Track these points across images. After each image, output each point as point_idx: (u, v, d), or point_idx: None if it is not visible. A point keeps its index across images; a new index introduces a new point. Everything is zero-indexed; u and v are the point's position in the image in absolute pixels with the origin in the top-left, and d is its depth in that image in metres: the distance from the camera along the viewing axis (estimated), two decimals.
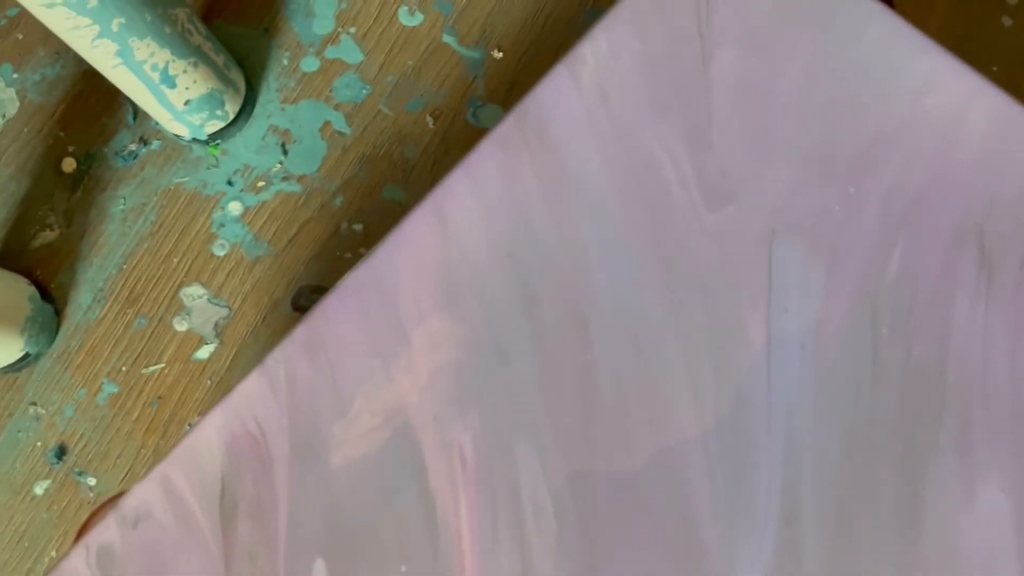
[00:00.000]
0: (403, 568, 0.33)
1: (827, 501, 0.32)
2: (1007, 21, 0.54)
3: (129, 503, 0.35)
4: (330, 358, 0.35)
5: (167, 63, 0.47)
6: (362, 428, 0.34)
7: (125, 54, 0.45)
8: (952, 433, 0.32)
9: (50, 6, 0.43)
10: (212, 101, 0.52)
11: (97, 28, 0.43)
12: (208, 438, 0.35)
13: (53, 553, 0.52)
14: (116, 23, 0.43)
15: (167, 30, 0.46)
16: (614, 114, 0.36)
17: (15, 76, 0.59)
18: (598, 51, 0.36)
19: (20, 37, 0.60)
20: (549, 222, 0.35)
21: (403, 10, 0.58)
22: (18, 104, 0.59)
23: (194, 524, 0.35)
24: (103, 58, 0.46)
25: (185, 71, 0.48)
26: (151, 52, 0.46)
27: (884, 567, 0.31)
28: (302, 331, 0.35)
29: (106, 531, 0.35)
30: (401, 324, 0.35)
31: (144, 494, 0.35)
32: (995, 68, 0.52)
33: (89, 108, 0.59)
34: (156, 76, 0.47)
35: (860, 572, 0.31)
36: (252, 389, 0.35)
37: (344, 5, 0.59)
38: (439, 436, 0.34)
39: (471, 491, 0.33)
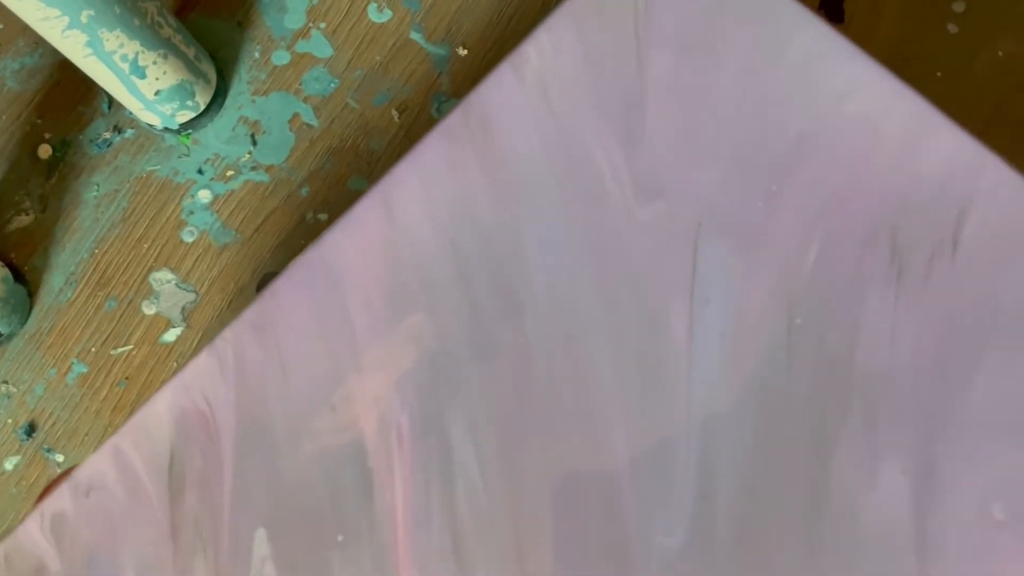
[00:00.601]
0: (339, 538, 0.34)
1: (740, 479, 0.33)
2: (952, 28, 0.55)
3: (82, 473, 0.36)
4: (278, 339, 0.36)
5: (137, 54, 0.48)
6: (305, 406, 0.36)
7: (95, 44, 0.46)
8: (859, 418, 0.33)
9: (65, 46, 0.44)
10: (182, 92, 0.53)
11: (67, 19, 0.44)
12: (158, 413, 0.36)
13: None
14: (85, 15, 0.44)
15: (136, 22, 0.47)
16: (554, 110, 0.37)
17: None
18: (541, 50, 0.38)
19: (0, 27, 0.61)
20: (491, 212, 0.37)
21: (372, 7, 0.59)
22: None
23: (143, 493, 0.36)
24: (74, 48, 0.47)
25: (155, 62, 0.50)
26: (120, 43, 0.47)
27: (791, 541, 0.33)
28: (251, 312, 0.37)
29: (60, 499, 0.37)
30: (346, 308, 0.36)
31: (97, 465, 0.37)
32: (939, 74, 0.54)
33: (66, 97, 0.61)
34: (126, 67, 0.48)
35: (768, 544, 0.32)
36: (202, 367, 0.36)
37: (315, 1, 0.60)
38: (378, 415, 0.35)
39: (406, 467, 0.35)
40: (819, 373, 0.34)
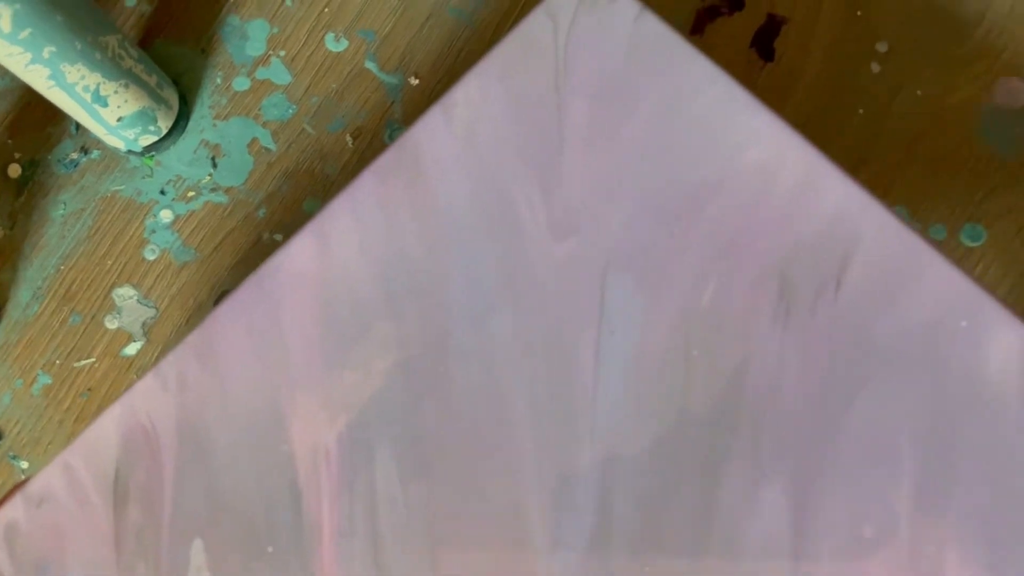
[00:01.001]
0: (270, 549, 0.37)
1: (637, 494, 0.36)
2: (875, 67, 0.58)
3: (34, 486, 0.39)
4: (218, 363, 0.38)
5: (98, 84, 0.50)
6: (242, 426, 0.38)
7: (57, 77, 0.48)
8: (746, 442, 0.36)
9: (27, 75, 0.46)
10: (144, 118, 0.55)
11: (29, 55, 0.46)
12: (106, 430, 0.39)
13: None
14: (47, 51, 0.46)
15: (98, 56, 0.49)
16: (479, 153, 0.40)
17: None
18: (469, 95, 0.40)
19: None
20: (418, 246, 0.39)
21: (330, 36, 0.62)
22: None
23: (90, 505, 0.38)
24: (37, 80, 0.49)
25: (116, 91, 0.52)
26: (82, 75, 0.49)
27: (680, 553, 0.36)
28: (194, 337, 0.39)
29: (13, 510, 0.39)
30: (283, 334, 0.39)
31: (48, 478, 0.39)
32: (860, 111, 0.57)
33: (35, 118, 0.62)
34: (88, 96, 0.50)
35: (659, 556, 0.35)
36: (147, 388, 0.39)
37: (275, 29, 0.62)
38: (308, 436, 0.38)
39: (332, 484, 0.38)
40: (712, 401, 0.36)
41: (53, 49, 0.46)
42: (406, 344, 0.37)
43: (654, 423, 0.36)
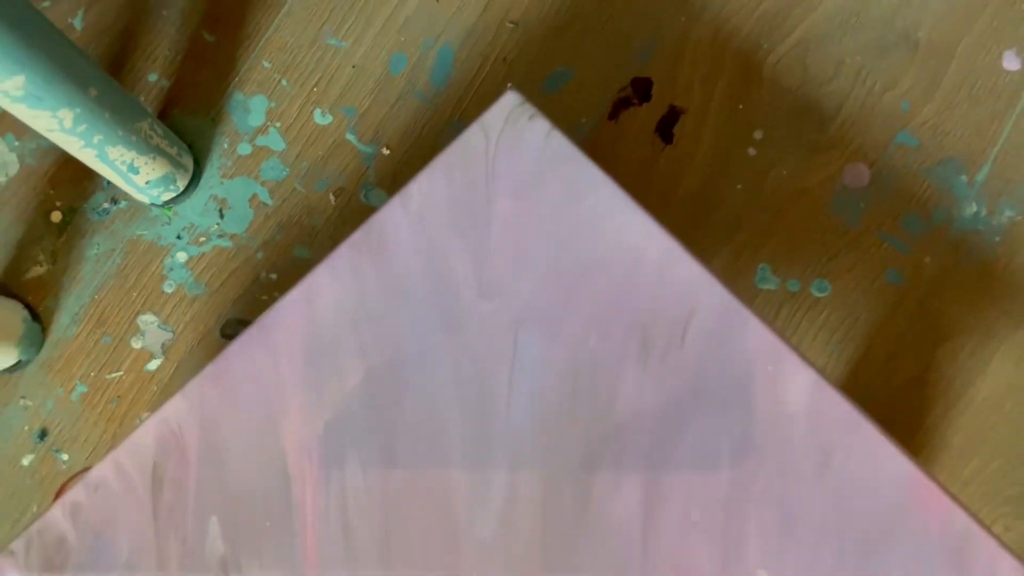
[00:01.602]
0: (267, 523, 0.49)
1: (535, 488, 0.48)
2: (752, 151, 0.71)
3: (92, 475, 0.50)
4: (229, 386, 0.50)
5: (133, 159, 0.62)
6: (247, 432, 0.50)
7: (102, 156, 0.60)
8: (615, 450, 0.49)
9: (49, 131, 0.58)
10: (166, 180, 0.67)
11: (82, 142, 0.58)
12: (146, 435, 0.50)
13: (35, 508, 0.67)
14: (96, 139, 0.58)
15: (133, 138, 0.61)
16: (428, 233, 0.52)
17: (16, 144, 0.74)
18: (421, 188, 0.52)
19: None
20: (380, 303, 0.51)
21: (317, 111, 0.73)
22: (18, 166, 0.74)
23: (134, 490, 0.50)
24: (85, 157, 0.61)
25: (146, 163, 0.64)
26: (121, 153, 0.61)
27: (562, 534, 0.48)
28: (211, 368, 0.51)
29: (76, 494, 0.51)
30: (279, 368, 0.51)
31: (102, 470, 0.51)
32: (739, 186, 0.69)
33: (73, 173, 0.73)
34: (124, 167, 0.62)
35: (549, 535, 0.48)
36: (176, 405, 0.51)
37: (272, 104, 0.74)
38: (298, 442, 0.50)
39: (314, 477, 0.50)
40: (592, 420, 0.49)
41: (101, 137, 0.58)
42: (370, 374, 0.49)
43: (549, 434, 0.48)
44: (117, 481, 0.49)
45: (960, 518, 0.45)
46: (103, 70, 0.58)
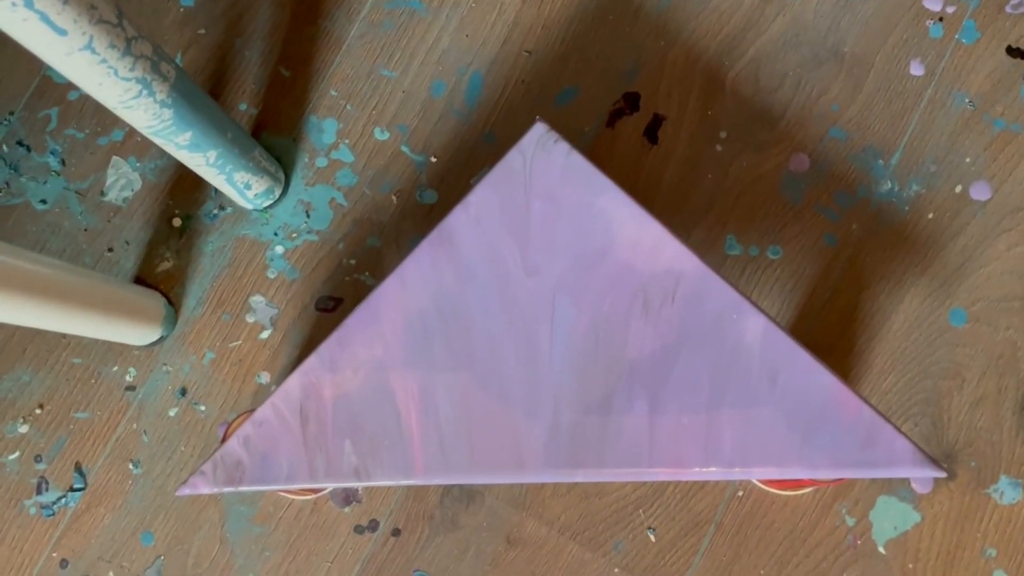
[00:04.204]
0: (386, 443, 0.66)
1: (574, 406, 0.65)
2: (719, 147, 0.86)
3: (256, 415, 0.66)
4: (351, 348, 0.66)
5: (248, 179, 0.77)
6: (364, 381, 0.67)
7: (229, 180, 0.74)
8: (626, 382, 0.65)
9: (196, 166, 0.74)
10: (268, 192, 0.82)
11: (216, 170, 0.73)
12: (294, 385, 0.66)
13: (181, 448, 0.83)
14: (228, 168, 0.74)
15: (250, 165, 0.76)
16: (483, 228, 0.67)
17: (138, 164, 0.88)
18: (477, 198, 0.67)
19: (138, 139, 0.90)
20: (454, 285, 0.67)
21: (377, 129, 0.88)
22: (141, 182, 0.88)
23: (288, 425, 0.66)
24: (217, 181, 0.76)
25: (256, 181, 0.78)
26: (242, 176, 0.76)
27: (594, 440, 0.64)
28: (336, 334, 0.67)
29: (246, 428, 0.67)
30: (384, 333, 0.67)
31: (264, 411, 0.66)
32: (709, 175, 0.85)
33: (186, 186, 0.86)
34: (242, 185, 0.77)
35: (585, 442, 0.64)
36: (311, 363, 0.65)
37: (341, 125, 0.88)
38: (402, 385, 0.66)
39: (416, 410, 0.66)
40: (609, 361, 0.65)
41: (231, 167, 0.73)
42: (449, 334, 0.65)
43: (580, 371, 0.65)
44: (275, 418, 0.65)
45: (868, 413, 0.62)
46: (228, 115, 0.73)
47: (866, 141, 0.81)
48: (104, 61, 0.49)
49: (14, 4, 0.42)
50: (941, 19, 0.82)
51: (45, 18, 0.44)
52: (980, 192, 0.79)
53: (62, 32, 0.45)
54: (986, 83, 0.80)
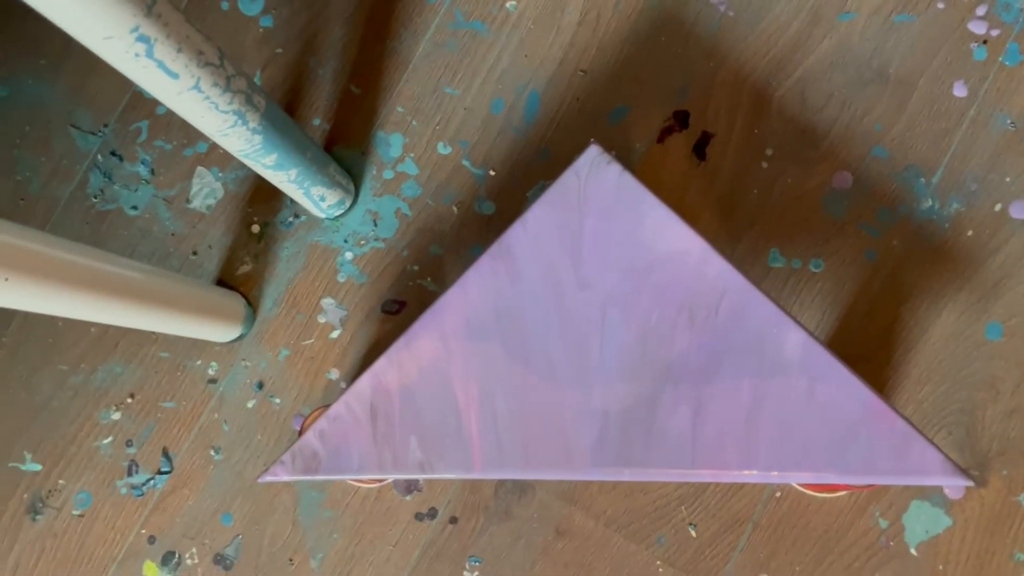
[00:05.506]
0: (447, 439, 0.71)
1: (619, 409, 0.69)
2: (764, 164, 0.89)
3: (331, 412, 0.72)
4: (417, 351, 0.71)
5: (323, 192, 0.83)
6: (427, 382, 0.72)
7: (307, 193, 0.80)
8: (671, 389, 0.69)
9: (279, 182, 0.80)
10: (340, 203, 0.87)
11: (296, 185, 0.79)
12: (365, 384, 0.71)
13: (258, 437, 0.89)
14: (306, 183, 0.79)
15: (325, 180, 0.81)
16: (539, 244, 0.72)
17: (220, 174, 0.95)
18: (535, 215, 0.71)
19: (221, 151, 0.96)
20: (512, 294, 0.72)
21: (440, 144, 0.93)
22: (223, 192, 0.94)
23: (358, 421, 0.72)
24: (296, 195, 0.82)
25: (330, 193, 0.83)
26: (318, 190, 0.81)
27: (638, 436, 0.68)
28: (403, 339, 0.72)
29: (321, 423, 0.73)
30: (447, 339, 0.72)
31: (337, 408, 0.72)
32: (755, 191, 0.88)
33: (264, 196, 0.91)
34: (317, 197, 0.83)
35: (631, 435, 0.69)
36: (382, 365, 0.71)
37: (407, 140, 0.94)
38: (463, 386, 0.71)
39: (476, 409, 0.71)
40: (657, 365, 0.69)
41: (309, 182, 0.79)
42: (507, 341, 0.70)
43: (627, 378, 0.69)
44: (347, 415, 0.71)
45: (901, 425, 0.65)
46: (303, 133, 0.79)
47: (908, 160, 0.83)
48: (208, 98, 0.54)
49: (137, 55, 0.47)
50: (985, 42, 0.84)
51: (162, 65, 0.49)
52: (1019, 211, 0.81)
53: (175, 76, 0.51)
54: None
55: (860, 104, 0.84)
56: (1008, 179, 0.81)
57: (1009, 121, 0.82)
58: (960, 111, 0.83)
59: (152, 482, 0.88)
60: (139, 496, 0.88)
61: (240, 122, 0.59)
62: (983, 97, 0.82)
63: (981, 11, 0.82)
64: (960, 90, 0.83)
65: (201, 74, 0.52)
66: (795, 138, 0.84)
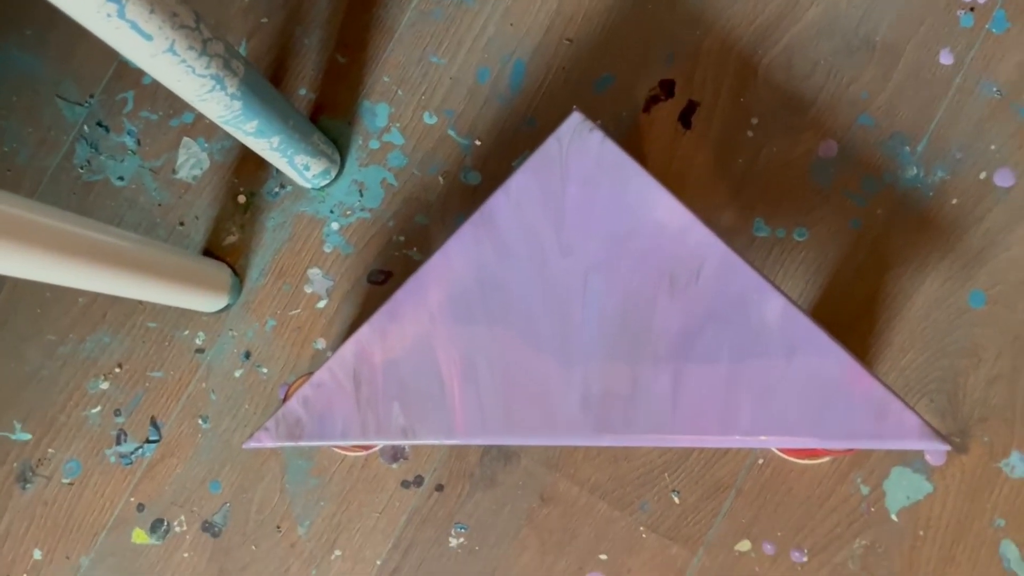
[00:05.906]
0: (430, 405, 0.71)
1: (599, 374, 0.69)
2: (750, 133, 0.88)
3: (314, 379, 0.72)
4: (400, 319, 0.71)
5: (307, 161, 0.83)
6: (410, 349, 0.72)
7: (290, 162, 0.80)
8: (652, 354, 0.70)
9: (261, 150, 0.79)
10: (325, 172, 0.87)
11: (279, 154, 0.79)
12: (348, 352, 0.72)
13: (246, 406, 0.91)
14: (289, 152, 0.79)
15: (309, 148, 0.81)
16: (522, 211, 0.72)
17: (206, 145, 0.94)
18: (517, 183, 0.71)
19: (207, 122, 0.96)
20: (494, 261, 0.72)
21: (426, 114, 0.92)
22: (209, 162, 0.94)
23: (342, 388, 0.72)
24: (280, 163, 0.82)
25: (315, 162, 0.83)
26: (302, 159, 0.81)
27: (617, 401, 0.69)
28: (386, 306, 0.72)
29: (305, 390, 0.73)
30: (430, 306, 0.72)
31: (321, 375, 0.72)
32: (740, 160, 0.88)
33: (250, 166, 0.91)
34: (301, 167, 0.82)
35: (613, 402, 0.69)
36: (364, 334, 0.71)
37: (392, 109, 0.93)
38: (446, 353, 0.72)
39: (458, 376, 0.71)
40: (637, 331, 0.69)
41: (292, 150, 0.79)
42: (489, 307, 0.70)
43: (609, 343, 0.69)
44: (331, 381, 0.71)
45: (879, 389, 0.65)
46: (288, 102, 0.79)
47: (894, 128, 0.83)
48: (183, 61, 0.54)
49: (108, 15, 0.47)
50: (972, 9, 0.83)
51: (135, 26, 0.49)
52: (1004, 179, 0.80)
53: (148, 37, 0.51)
54: (1014, 72, 0.82)
55: (846, 72, 0.84)
56: (993, 147, 0.81)
57: (995, 89, 0.81)
58: (946, 79, 0.82)
59: (140, 451, 0.88)
60: (128, 465, 0.88)
61: (218, 86, 0.59)
62: (969, 65, 0.82)
63: None
64: (946, 58, 0.82)
65: (176, 36, 0.52)
66: (781, 106, 0.84)
